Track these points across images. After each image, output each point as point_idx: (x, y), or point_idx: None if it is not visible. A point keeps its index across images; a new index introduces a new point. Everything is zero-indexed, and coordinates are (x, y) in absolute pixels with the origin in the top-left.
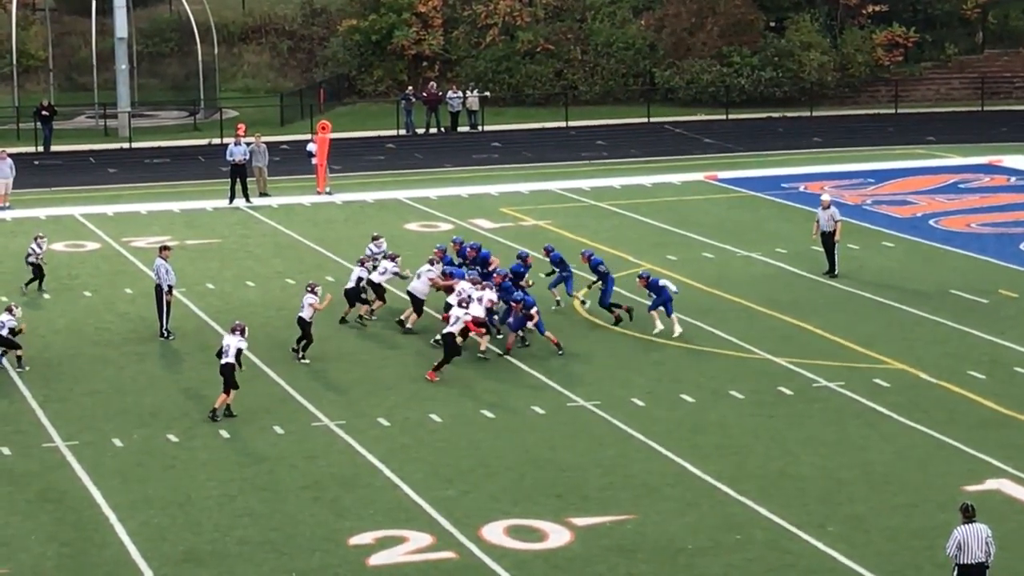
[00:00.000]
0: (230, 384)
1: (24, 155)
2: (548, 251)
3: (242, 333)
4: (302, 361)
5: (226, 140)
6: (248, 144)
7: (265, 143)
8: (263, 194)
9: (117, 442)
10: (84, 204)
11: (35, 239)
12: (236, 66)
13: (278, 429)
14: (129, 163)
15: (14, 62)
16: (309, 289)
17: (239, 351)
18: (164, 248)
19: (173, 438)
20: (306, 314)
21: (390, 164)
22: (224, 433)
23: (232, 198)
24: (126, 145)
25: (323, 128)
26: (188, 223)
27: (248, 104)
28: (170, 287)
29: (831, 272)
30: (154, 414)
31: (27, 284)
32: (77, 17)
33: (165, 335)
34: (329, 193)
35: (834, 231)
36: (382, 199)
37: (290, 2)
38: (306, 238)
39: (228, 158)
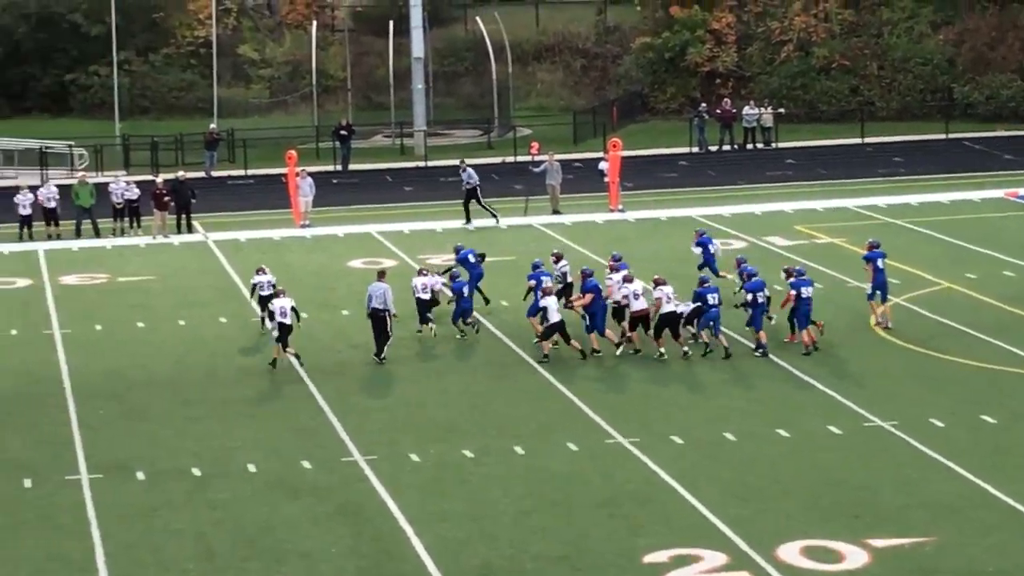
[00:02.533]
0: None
1: (323, 173)
2: (739, 262)
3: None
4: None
5: (520, 158)
6: (542, 162)
7: (559, 161)
8: (555, 212)
9: (414, 457)
10: (381, 222)
11: (258, 271)
12: (530, 84)
13: (572, 446)
14: (425, 181)
15: (314, 82)
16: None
17: (293, 308)
18: (382, 273)
19: (468, 453)
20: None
21: (683, 181)
22: (519, 449)
23: (468, 220)
24: (422, 163)
25: (615, 146)
26: (483, 240)
27: (541, 122)
28: (394, 314)
29: None
30: (450, 429)
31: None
32: (374, 38)
33: (380, 360)
34: (622, 211)
35: None
36: (675, 216)
37: (584, 20)
38: (599, 255)
39: (468, 182)
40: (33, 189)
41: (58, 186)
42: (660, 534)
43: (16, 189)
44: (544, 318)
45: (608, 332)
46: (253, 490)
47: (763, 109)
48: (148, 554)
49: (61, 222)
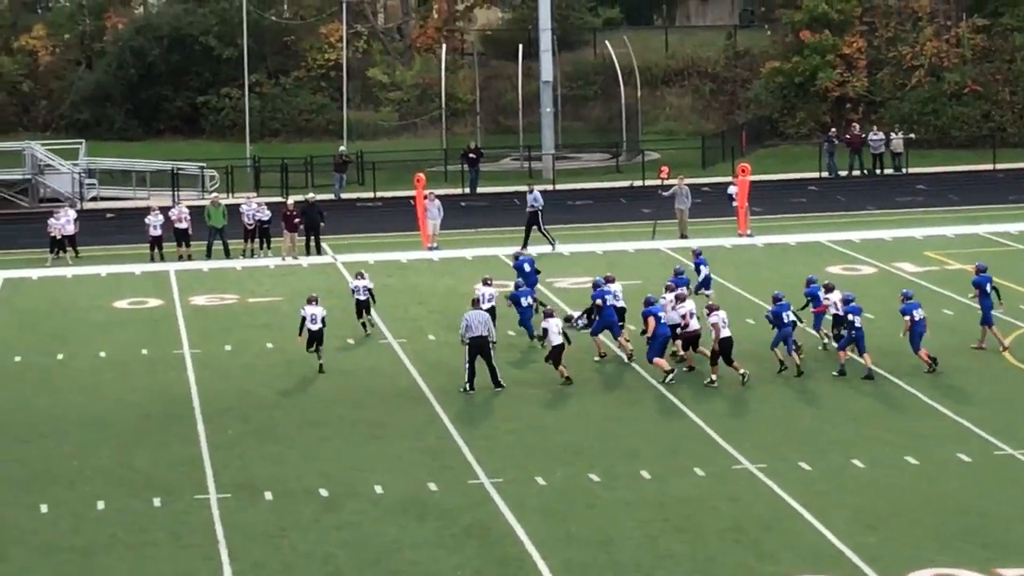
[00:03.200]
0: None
1: (451, 196)
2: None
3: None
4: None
5: (649, 182)
6: (672, 186)
7: (688, 185)
8: (683, 236)
9: (540, 480)
10: (508, 245)
11: (357, 276)
12: (659, 108)
13: (699, 471)
14: (552, 204)
15: (443, 106)
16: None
17: (323, 318)
18: (476, 302)
19: (595, 477)
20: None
21: (812, 206)
22: (645, 473)
23: (525, 245)
24: (549, 187)
25: (743, 171)
26: (611, 264)
27: (670, 146)
28: (493, 341)
29: None
30: (576, 452)
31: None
32: (504, 61)
33: (467, 389)
34: (750, 235)
35: None
36: (804, 241)
37: (713, 45)
38: (727, 280)
39: (532, 204)
40: (164, 210)
41: (189, 207)
42: (787, 560)
43: (148, 210)
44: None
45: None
46: (380, 511)
47: (893, 135)
48: (276, 574)
49: (192, 243)
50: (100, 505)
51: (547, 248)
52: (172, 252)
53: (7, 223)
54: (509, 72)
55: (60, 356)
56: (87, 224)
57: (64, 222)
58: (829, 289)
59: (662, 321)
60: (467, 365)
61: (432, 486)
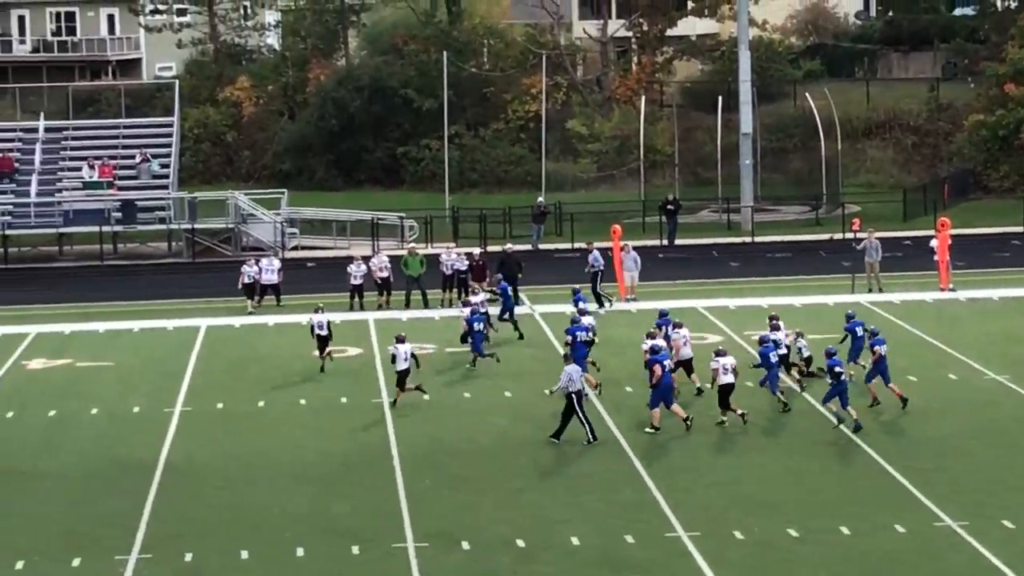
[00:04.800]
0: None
1: (649, 248)
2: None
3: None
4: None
5: (849, 235)
6: (863, 239)
7: (878, 239)
8: (870, 290)
9: (737, 534)
10: (707, 297)
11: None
12: (859, 161)
13: (899, 527)
14: (751, 257)
15: (641, 157)
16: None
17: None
18: (567, 357)
19: (792, 532)
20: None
21: (1016, 260)
22: (844, 529)
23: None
24: (748, 239)
25: (943, 225)
26: (810, 317)
27: (871, 199)
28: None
29: None
30: (773, 507)
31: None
32: (703, 113)
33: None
34: (952, 290)
35: None
36: (1007, 296)
37: (915, 97)
38: (929, 335)
39: (593, 264)
40: (365, 259)
41: (389, 256)
42: None
43: (349, 259)
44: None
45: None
46: (576, 563)
47: None
48: None
49: (392, 292)
50: (299, 552)
51: (603, 307)
52: (372, 301)
53: (210, 271)
54: (708, 124)
55: (261, 404)
56: (288, 273)
57: (266, 269)
58: (775, 328)
59: (667, 369)
60: (581, 418)
61: (628, 539)
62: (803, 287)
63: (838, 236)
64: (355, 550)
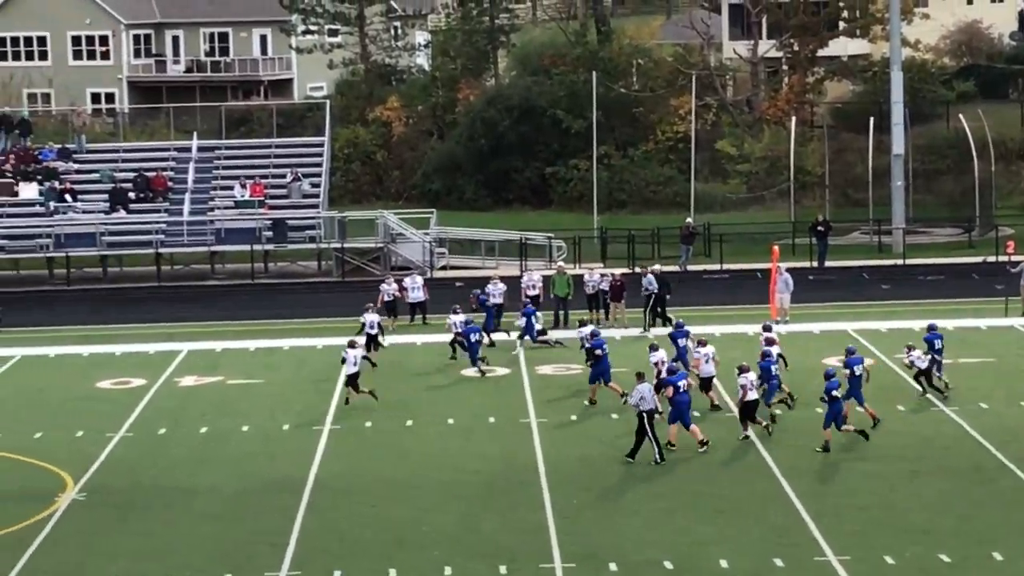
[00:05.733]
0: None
1: (799, 270)
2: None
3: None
4: None
5: (1002, 258)
6: (1019, 262)
7: None
8: None
9: (889, 559)
10: (857, 319)
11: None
12: (1013, 183)
13: None
14: (902, 279)
15: (791, 178)
16: None
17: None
18: (640, 374)
19: (945, 558)
20: None
21: None
22: (997, 555)
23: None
24: (900, 261)
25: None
26: (962, 341)
27: None
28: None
29: None
30: (926, 532)
31: None
32: (854, 134)
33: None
34: None
35: None
36: None
37: None
38: None
39: (647, 287)
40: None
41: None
42: None
43: (488, 279)
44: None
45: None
46: None
47: None
48: None
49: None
50: (447, 571)
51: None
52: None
53: (360, 290)
54: (859, 145)
55: (409, 422)
56: (436, 292)
57: (412, 287)
58: (702, 343)
59: (681, 391)
60: (651, 437)
61: (778, 562)
62: (955, 310)
63: (991, 259)
64: (503, 570)
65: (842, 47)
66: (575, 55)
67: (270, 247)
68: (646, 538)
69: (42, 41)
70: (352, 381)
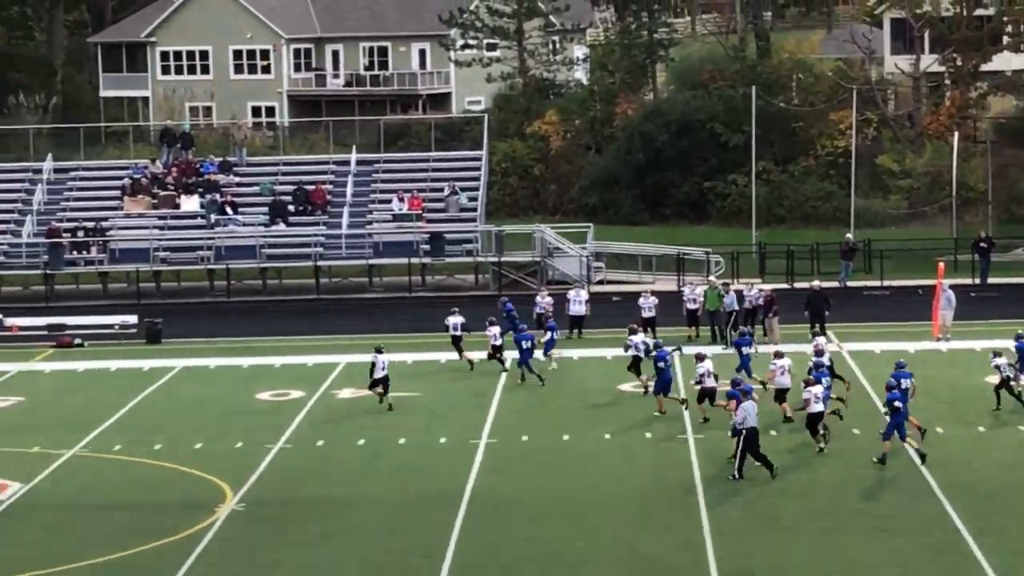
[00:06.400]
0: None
1: (961, 286)
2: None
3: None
4: None
5: None
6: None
7: None
8: None
9: None
10: None
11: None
12: None
13: None
14: None
15: (953, 194)
16: None
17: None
18: (747, 392)
19: None
20: None
21: None
22: None
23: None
24: None
25: None
26: None
27: None
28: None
29: None
30: None
31: None
32: (1018, 150)
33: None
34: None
35: None
36: None
37: None
38: None
39: (729, 305)
40: (658, 294)
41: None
42: None
43: (639, 294)
44: None
45: None
46: None
47: None
48: None
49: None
50: None
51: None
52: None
53: (516, 304)
54: (1023, 160)
55: (565, 437)
56: (593, 307)
57: (574, 300)
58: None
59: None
60: (743, 455)
61: None
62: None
63: None
64: None
65: (1006, 62)
66: (734, 69)
67: (427, 260)
68: (806, 557)
69: (204, 55)
70: (379, 384)
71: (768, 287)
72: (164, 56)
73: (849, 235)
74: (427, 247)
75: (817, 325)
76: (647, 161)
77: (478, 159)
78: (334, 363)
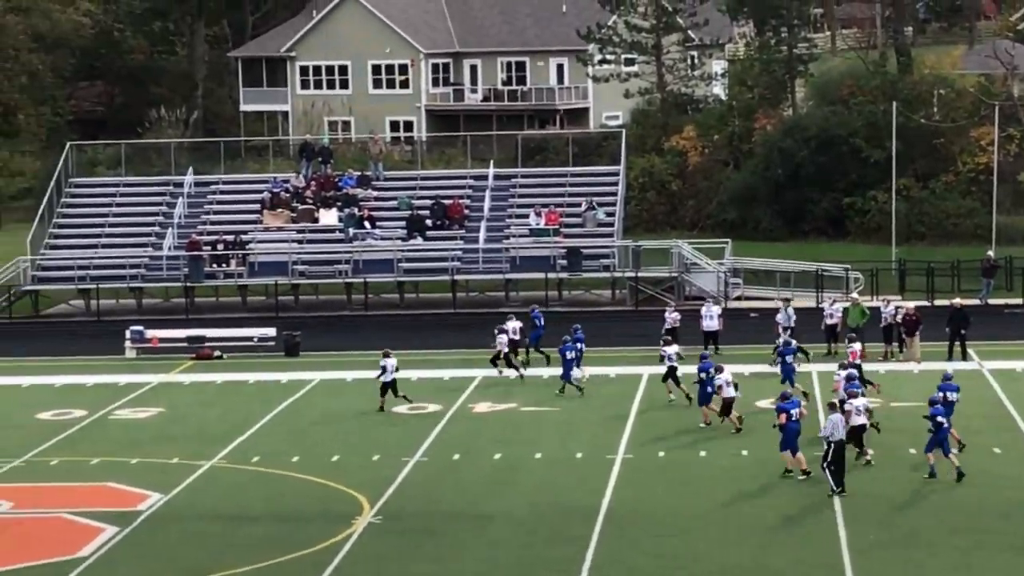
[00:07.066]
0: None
1: None
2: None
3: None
4: None
5: None
6: None
7: None
8: None
9: None
10: None
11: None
12: None
13: None
14: None
15: None
16: None
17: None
18: (833, 405)
19: None
20: None
21: None
22: None
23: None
24: None
25: None
26: None
27: None
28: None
29: None
30: None
31: None
32: None
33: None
34: None
35: None
36: None
37: None
38: None
39: (785, 323)
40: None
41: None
42: None
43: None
44: None
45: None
46: None
47: None
48: None
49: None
50: None
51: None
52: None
53: (653, 319)
54: None
55: (702, 453)
56: (730, 323)
57: (707, 315)
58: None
59: (793, 419)
60: (834, 467)
61: None
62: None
63: None
64: None
65: None
66: (874, 85)
67: (564, 275)
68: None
69: (343, 70)
70: (388, 388)
71: (911, 304)
72: (303, 71)
73: (990, 252)
74: (564, 262)
75: (957, 343)
76: (786, 177)
77: (615, 174)
78: (471, 377)
